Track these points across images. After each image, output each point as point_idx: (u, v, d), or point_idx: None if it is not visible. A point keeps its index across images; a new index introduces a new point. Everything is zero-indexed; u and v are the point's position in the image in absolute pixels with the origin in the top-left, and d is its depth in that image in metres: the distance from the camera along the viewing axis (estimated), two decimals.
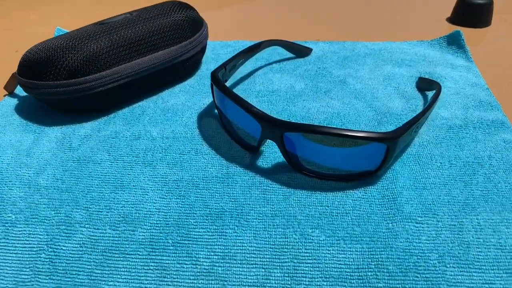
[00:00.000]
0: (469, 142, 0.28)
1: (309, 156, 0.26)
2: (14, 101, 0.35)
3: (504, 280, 0.21)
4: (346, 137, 0.23)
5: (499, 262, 0.21)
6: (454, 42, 0.40)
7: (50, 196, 0.26)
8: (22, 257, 0.23)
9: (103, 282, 0.22)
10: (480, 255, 0.22)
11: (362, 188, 0.25)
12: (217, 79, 0.28)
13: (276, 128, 0.25)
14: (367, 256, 0.22)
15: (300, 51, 0.39)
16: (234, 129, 0.28)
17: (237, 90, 0.35)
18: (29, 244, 0.23)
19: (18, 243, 0.24)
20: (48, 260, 0.23)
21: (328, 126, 0.24)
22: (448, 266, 0.21)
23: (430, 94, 0.34)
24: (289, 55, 0.41)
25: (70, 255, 0.23)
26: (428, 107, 0.26)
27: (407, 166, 0.27)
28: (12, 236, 0.24)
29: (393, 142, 0.23)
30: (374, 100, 0.33)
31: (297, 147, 0.26)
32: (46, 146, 0.30)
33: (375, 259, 0.22)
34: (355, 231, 0.23)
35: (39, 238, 0.24)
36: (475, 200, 0.24)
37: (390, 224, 0.23)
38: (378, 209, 0.24)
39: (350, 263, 0.22)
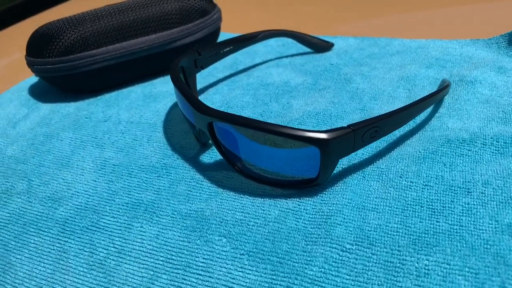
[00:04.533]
0: (467, 162, 0.21)
1: (247, 155, 0.22)
2: (35, 80, 0.38)
3: None
4: (265, 131, 0.19)
5: None
6: None
7: (9, 165, 0.27)
8: None
9: (13, 255, 0.22)
10: None
11: (298, 199, 0.21)
12: (174, 64, 0.26)
13: (202, 116, 0.22)
14: (265, 280, 0.18)
15: (317, 45, 0.35)
16: (186, 119, 0.26)
17: (227, 81, 0.33)
18: None
19: None
20: None
21: (256, 119, 0.20)
22: None
23: (448, 98, 0.27)
24: (309, 50, 0.36)
25: None
26: (401, 109, 0.21)
27: (365, 180, 0.21)
28: None
29: (324, 145, 0.19)
30: (371, 102, 0.27)
31: (234, 143, 0.22)
32: (31, 121, 0.31)
33: (273, 285, 0.18)
34: (265, 247, 0.19)
35: None
36: (435, 236, 0.18)
37: (309, 246, 0.19)
38: (303, 226, 0.20)
39: (244, 284, 0.18)
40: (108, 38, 0.31)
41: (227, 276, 0.18)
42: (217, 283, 0.18)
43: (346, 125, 0.19)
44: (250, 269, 0.18)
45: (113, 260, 0.20)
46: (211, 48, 0.29)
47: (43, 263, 0.21)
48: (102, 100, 0.32)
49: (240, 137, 0.22)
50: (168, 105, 0.30)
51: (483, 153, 0.22)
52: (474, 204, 0.19)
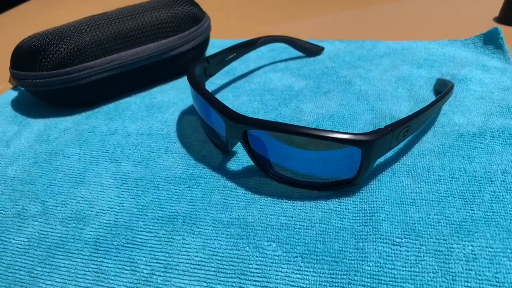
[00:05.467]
0: (482, 154, 0.23)
1: (280, 160, 0.23)
2: (14, 94, 0.35)
3: None
4: (310, 136, 0.20)
5: None
6: (491, 41, 0.35)
7: (14, 187, 0.25)
8: None
9: (42, 281, 0.20)
10: None
11: (337, 199, 0.22)
12: (191, 72, 0.26)
13: (236, 124, 0.22)
14: (325, 279, 0.18)
15: (309, 49, 0.36)
16: (207, 127, 0.26)
17: (229, 88, 0.33)
18: None
19: None
20: None
21: (297, 125, 0.21)
22: None
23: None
24: (299, 54, 0.37)
25: (17, 249, 0.22)
26: (426, 108, 0.22)
27: (396, 177, 0.23)
28: None
29: (367, 146, 0.20)
30: (377, 102, 0.29)
31: (266, 149, 0.22)
32: (26, 138, 0.29)
33: (334, 284, 0.18)
34: (317, 248, 0.20)
35: None
36: (474, 223, 0.20)
37: (360, 244, 0.20)
38: (349, 225, 0.20)
39: (305, 286, 0.18)
40: (106, 48, 0.30)
41: (285, 279, 0.19)
42: (277, 287, 0.19)
43: (383, 126, 0.21)
44: (307, 271, 0.19)
45: (159, 276, 0.20)
46: (218, 56, 0.29)
47: (80, 286, 0.20)
48: (101, 112, 0.31)
49: (274, 143, 0.22)
50: (175, 115, 0.30)
51: (493, 144, 0.24)
52: (499, 192, 0.21)
